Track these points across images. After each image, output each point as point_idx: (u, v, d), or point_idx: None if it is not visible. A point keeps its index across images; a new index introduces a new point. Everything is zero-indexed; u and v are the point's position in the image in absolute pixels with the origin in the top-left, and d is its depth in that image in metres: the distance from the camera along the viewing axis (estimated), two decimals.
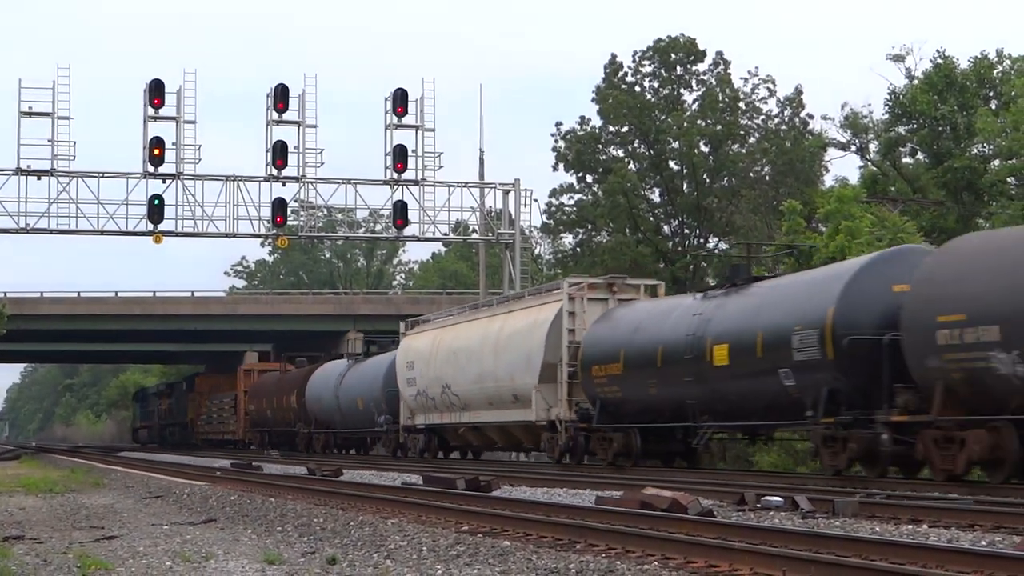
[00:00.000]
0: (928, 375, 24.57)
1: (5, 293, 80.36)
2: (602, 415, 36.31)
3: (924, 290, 25.18)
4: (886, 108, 55.79)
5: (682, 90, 69.64)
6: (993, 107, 51.70)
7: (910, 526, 17.66)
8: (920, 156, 55.98)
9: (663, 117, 68.58)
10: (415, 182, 58.69)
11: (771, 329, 29.20)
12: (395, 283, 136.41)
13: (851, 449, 26.73)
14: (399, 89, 58.11)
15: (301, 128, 57.76)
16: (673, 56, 69.07)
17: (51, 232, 57.75)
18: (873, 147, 57.73)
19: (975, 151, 52.34)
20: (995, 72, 54.35)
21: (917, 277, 25.68)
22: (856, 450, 26.64)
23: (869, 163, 58.27)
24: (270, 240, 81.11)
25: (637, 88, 69.17)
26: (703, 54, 69.17)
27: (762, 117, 69.11)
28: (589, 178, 69.92)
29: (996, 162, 51.16)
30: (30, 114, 56.05)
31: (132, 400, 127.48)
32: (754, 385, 29.86)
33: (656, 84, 69.46)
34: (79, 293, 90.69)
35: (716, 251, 67.33)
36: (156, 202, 56.42)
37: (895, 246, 29.46)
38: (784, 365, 28.41)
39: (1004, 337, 22.87)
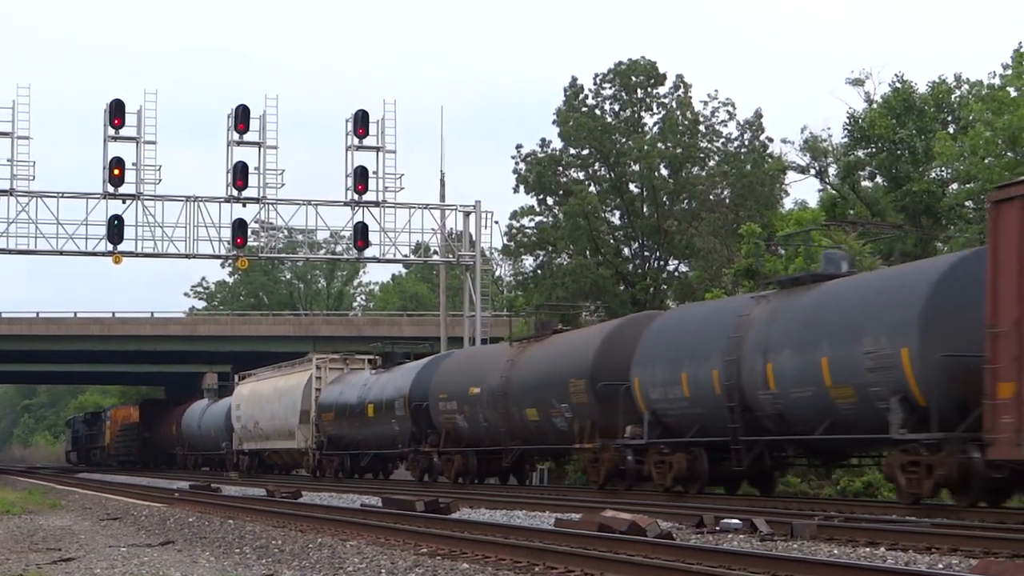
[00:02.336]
0: (439, 425, 45.51)
1: None
2: (329, 445, 56.13)
3: (438, 378, 46.14)
4: (845, 132, 55.96)
5: (642, 113, 69.74)
6: (951, 131, 51.91)
7: (868, 549, 17.73)
8: (879, 180, 56.14)
9: (623, 140, 68.66)
10: (376, 203, 58.68)
11: (387, 396, 50.12)
12: (355, 304, 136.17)
13: (420, 466, 47.45)
14: (360, 111, 58.11)
15: (262, 149, 57.67)
16: (634, 79, 69.17)
17: (9, 252, 57.50)
18: (832, 170, 57.83)
19: (933, 175, 52.53)
20: (953, 97, 54.58)
21: (437, 370, 46.91)
22: (422, 467, 47.33)
23: (828, 186, 58.39)
24: (230, 261, 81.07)
25: (598, 111, 69.23)
26: (663, 77, 69.32)
27: (722, 140, 69.24)
28: (550, 200, 69.90)
29: (954, 186, 51.40)
30: None
31: (65, 427, 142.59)
32: (382, 429, 50.45)
33: (616, 107, 69.55)
34: (37, 313, 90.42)
35: (676, 273, 67.46)
36: (116, 222, 56.23)
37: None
38: (392, 418, 49.33)
39: (458, 407, 43.70)
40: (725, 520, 21.15)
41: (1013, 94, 47.45)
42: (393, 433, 49.56)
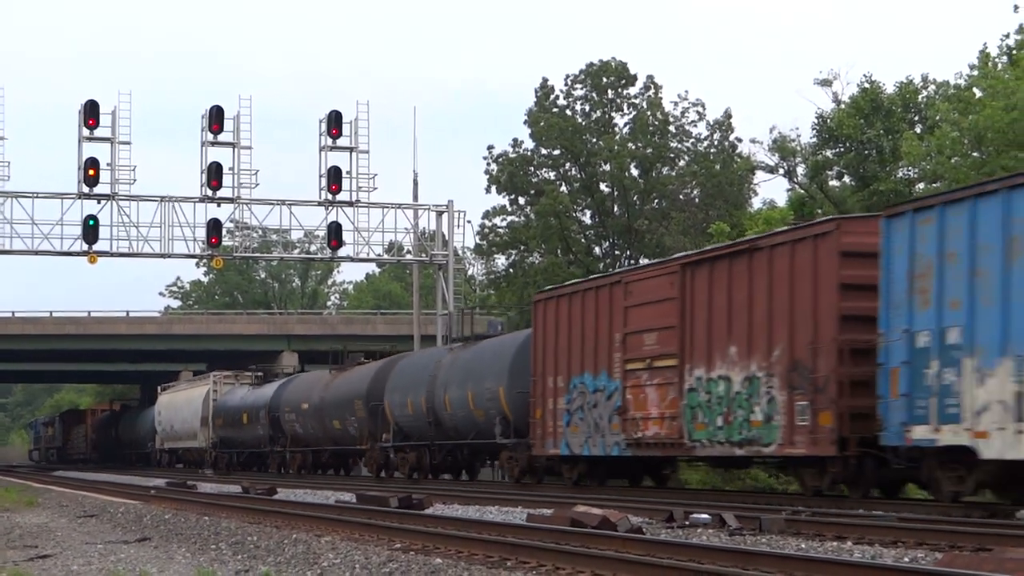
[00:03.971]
0: (287, 430, 57.96)
1: None
2: (221, 444, 68.33)
3: (285, 395, 58.63)
4: (813, 132, 56.00)
5: (613, 113, 69.89)
6: (918, 131, 52.00)
7: (835, 543, 17.81)
8: (846, 179, 56.19)
9: (594, 140, 68.77)
10: (349, 203, 58.64)
11: (256, 406, 62.19)
12: (330, 303, 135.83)
13: (276, 461, 60.82)
14: (334, 111, 58.04)
15: (236, 149, 57.58)
16: (605, 80, 69.30)
17: None
18: (800, 170, 57.79)
19: (900, 174, 52.62)
20: (920, 97, 54.70)
21: (286, 389, 59.63)
22: (277, 462, 60.71)
23: (796, 186, 58.39)
24: (205, 260, 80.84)
25: (569, 111, 69.35)
26: (634, 78, 69.47)
27: (692, 140, 69.43)
28: (521, 200, 70.01)
29: (921, 185, 51.47)
30: None
31: (28, 428, 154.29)
32: (253, 432, 62.50)
33: (587, 107, 69.68)
34: (13, 313, 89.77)
35: None
36: (91, 222, 56.08)
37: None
38: (259, 424, 61.13)
39: (296, 417, 56.25)
40: (695, 515, 21.22)
41: (979, 95, 47.63)
42: (259, 436, 61.81)
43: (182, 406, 76.21)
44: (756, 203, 65.67)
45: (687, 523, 20.88)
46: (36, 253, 57.48)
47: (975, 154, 45.26)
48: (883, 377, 24.19)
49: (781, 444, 26.71)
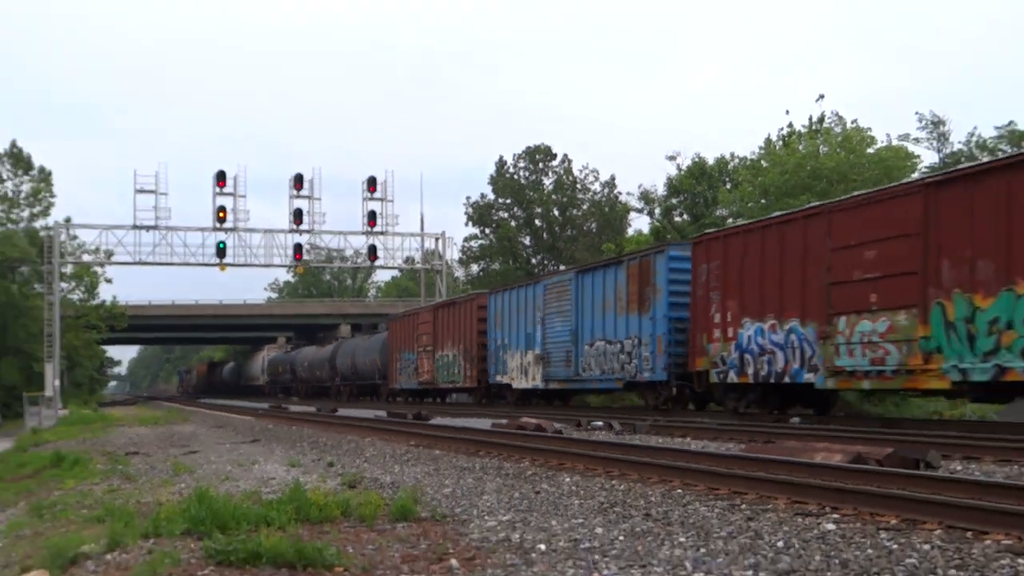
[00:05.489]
0: (299, 376, 65.06)
1: (127, 302, 78.70)
2: (271, 384, 76.45)
3: (298, 357, 65.48)
4: (665, 187, 56.28)
5: (543, 177, 69.88)
6: (729, 187, 52.26)
7: (680, 439, 17.84)
8: (685, 217, 56.45)
9: (531, 193, 68.75)
10: (382, 232, 58.34)
11: (285, 362, 70.57)
12: (370, 294, 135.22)
13: (295, 392, 66.92)
14: (371, 176, 57.84)
15: (311, 200, 57.26)
16: (537, 156, 69.30)
17: (155, 264, 56.84)
18: (657, 211, 58.05)
19: (718, 213, 52.85)
20: (730, 165, 54.97)
21: (299, 353, 66.80)
22: (295, 392, 66.67)
23: (655, 221, 58.63)
24: (292, 269, 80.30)
25: (516, 176, 69.32)
26: (555, 155, 69.48)
27: (591, 193, 69.47)
28: (487, 230, 69.94)
29: (731, 220, 51.65)
30: (142, 191, 55.25)
31: (175, 374, 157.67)
32: (284, 377, 70.62)
33: (527, 173, 69.65)
34: (173, 302, 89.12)
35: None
36: (221, 245, 55.63)
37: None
38: (287, 372, 69.09)
39: (302, 369, 63.51)
40: (594, 422, 21.21)
41: (765, 164, 47.87)
42: (287, 378, 71.34)
43: (254, 362, 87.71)
44: (631, 231, 65.81)
45: (590, 427, 20.87)
46: (187, 264, 56.98)
47: (763, 201, 45.44)
48: (489, 357, 36.08)
49: (463, 383, 38.50)
